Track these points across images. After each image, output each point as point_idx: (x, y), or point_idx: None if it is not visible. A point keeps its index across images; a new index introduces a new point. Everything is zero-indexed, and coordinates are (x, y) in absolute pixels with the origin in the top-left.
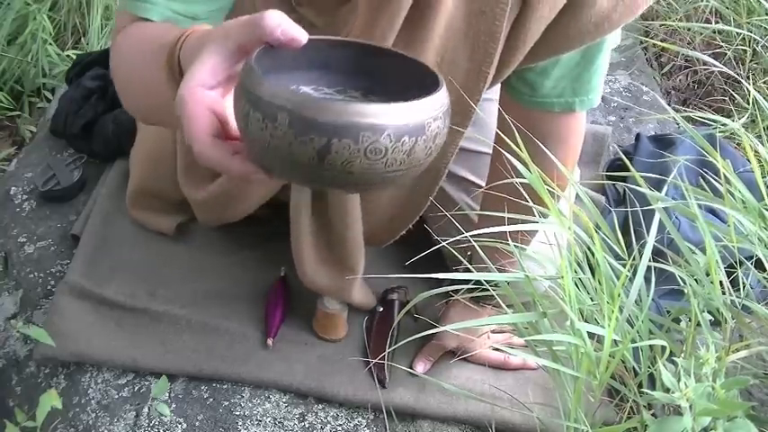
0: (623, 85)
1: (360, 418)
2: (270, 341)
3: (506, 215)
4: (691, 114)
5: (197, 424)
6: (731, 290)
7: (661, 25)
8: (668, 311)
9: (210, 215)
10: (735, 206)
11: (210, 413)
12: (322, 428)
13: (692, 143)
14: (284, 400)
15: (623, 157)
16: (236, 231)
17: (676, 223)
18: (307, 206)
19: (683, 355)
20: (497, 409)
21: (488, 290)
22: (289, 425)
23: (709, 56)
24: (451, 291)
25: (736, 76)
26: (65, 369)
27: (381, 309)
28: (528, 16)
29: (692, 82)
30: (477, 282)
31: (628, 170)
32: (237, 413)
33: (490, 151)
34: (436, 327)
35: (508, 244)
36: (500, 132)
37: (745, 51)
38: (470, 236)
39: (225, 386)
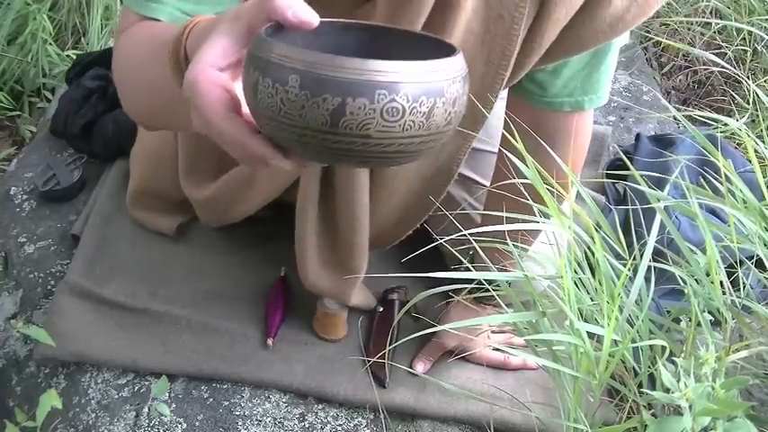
0: (623, 85)
1: (360, 418)
2: (270, 341)
3: (510, 215)
4: (691, 114)
5: (197, 424)
6: (731, 290)
7: (661, 25)
8: (668, 311)
9: (212, 215)
10: (735, 206)
11: (210, 413)
12: (322, 428)
13: (692, 143)
14: (284, 400)
15: (623, 156)
16: (236, 231)
17: (676, 223)
18: (314, 206)
19: (682, 355)
20: (497, 408)
21: (488, 290)
22: (289, 425)
23: (709, 54)
24: (451, 291)
25: (737, 76)
26: (65, 369)
27: (381, 309)
28: (545, 19)
29: (692, 82)
30: (478, 282)
31: (628, 170)
32: (237, 413)
33: (492, 149)
34: (436, 327)
35: (510, 244)
36: (506, 134)
37: (745, 51)
38: (471, 236)
39: (225, 386)
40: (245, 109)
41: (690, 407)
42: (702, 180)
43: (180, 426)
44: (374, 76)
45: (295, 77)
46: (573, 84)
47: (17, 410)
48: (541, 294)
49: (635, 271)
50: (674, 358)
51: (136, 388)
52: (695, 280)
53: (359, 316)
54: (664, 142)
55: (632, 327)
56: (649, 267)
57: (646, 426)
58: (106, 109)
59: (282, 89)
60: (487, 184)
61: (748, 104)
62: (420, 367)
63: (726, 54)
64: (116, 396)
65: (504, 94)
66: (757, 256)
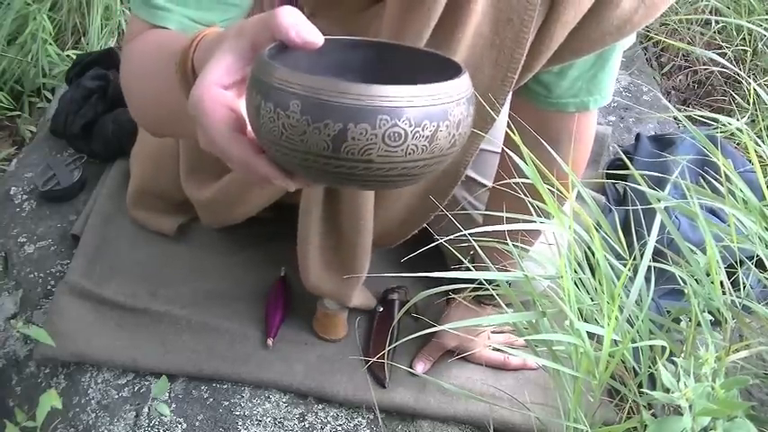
0: (623, 85)
1: (360, 418)
2: (270, 341)
3: (511, 215)
4: (691, 114)
5: (197, 424)
6: (731, 290)
7: (661, 25)
8: (668, 311)
9: (213, 217)
10: (735, 206)
11: (210, 413)
12: (322, 428)
13: (692, 143)
14: (284, 400)
15: (623, 156)
16: (237, 232)
17: (676, 223)
18: (318, 206)
19: (682, 355)
20: (497, 408)
21: (488, 290)
22: (289, 425)
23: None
24: (452, 291)
25: (737, 76)
26: (65, 369)
27: (381, 309)
28: (553, 22)
29: (692, 82)
30: (478, 282)
31: (628, 170)
32: (237, 413)
33: (494, 149)
34: (436, 327)
35: (510, 244)
36: (510, 133)
37: (745, 51)
38: (472, 236)
39: (225, 386)
40: (250, 128)
41: (690, 407)
42: (702, 180)
43: (180, 426)
44: (375, 101)
45: (296, 103)
46: (578, 85)
47: (17, 410)
48: (541, 294)
49: (635, 271)
50: (674, 358)
51: (136, 388)
52: (695, 280)
53: (359, 316)
54: (664, 142)
55: (632, 327)
56: (649, 267)
57: (646, 426)
58: (106, 109)
59: (284, 114)
60: (489, 184)
61: (748, 104)
62: (420, 367)
63: (726, 54)
64: (116, 396)
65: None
66: (757, 255)
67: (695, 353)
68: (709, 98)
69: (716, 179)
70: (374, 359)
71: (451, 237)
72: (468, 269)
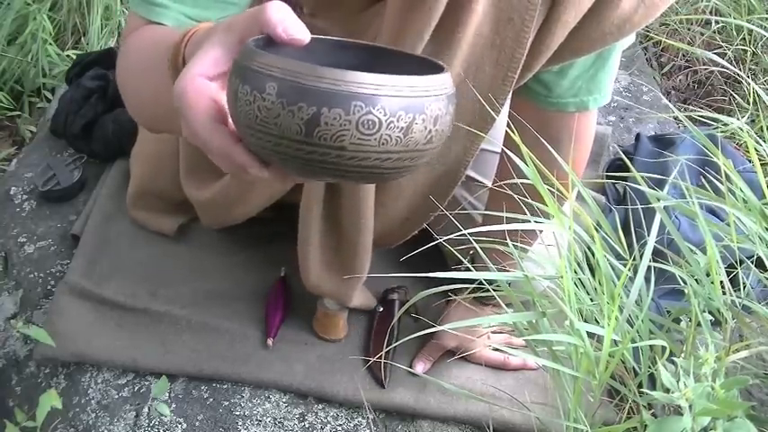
0: (623, 85)
1: (360, 418)
2: (270, 341)
3: (510, 215)
4: (692, 113)
5: (197, 424)
6: (732, 290)
7: (661, 25)
8: (668, 311)
9: (214, 218)
10: (736, 205)
11: (210, 413)
12: (322, 428)
13: (692, 143)
14: (284, 400)
15: (623, 156)
16: (237, 232)
17: (676, 223)
18: (319, 203)
19: (682, 355)
20: (497, 409)
21: (488, 290)
22: (289, 425)
23: (710, 53)
24: (451, 291)
25: (737, 76)
26: (65, 369)
27: (381, 309)
28: (554, 22)
29: (692, 82)
30: (478, 282)
31: (628, 170)
32: (237, 413)
33: (494, 149)
34: (436, 327)
35: (508, 245)
36: (510, 132)
37: (745, 51)
38: (472, 236)
39: (225, 386)
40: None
41: (690, 407)
42: (703, 180)
43: (180, 426)
44: (351, 87)
45: (272, 85)
46: (578, 84)
47: (17, 410)
48: (541, 294)
49: (635, 271)
50: (673, 358)
51: (136, 388)
52: (695, 280)
53: (359, 316)
54: (664, 142)
55: (632, 327)
56: (649, 267)
57: (646, 426)
58: (106, 109)
59: (260, 96)
60: (489, 183)
61: (748, 104)
62: (420, 367)
63: (726, 54)
64: (116, 396)
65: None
66: (757, 255)
67: (695, 353)
68: (709, 98)
69: (716, 179)
70: (374, 359)
71: (451, 236)
72: (467, 269)
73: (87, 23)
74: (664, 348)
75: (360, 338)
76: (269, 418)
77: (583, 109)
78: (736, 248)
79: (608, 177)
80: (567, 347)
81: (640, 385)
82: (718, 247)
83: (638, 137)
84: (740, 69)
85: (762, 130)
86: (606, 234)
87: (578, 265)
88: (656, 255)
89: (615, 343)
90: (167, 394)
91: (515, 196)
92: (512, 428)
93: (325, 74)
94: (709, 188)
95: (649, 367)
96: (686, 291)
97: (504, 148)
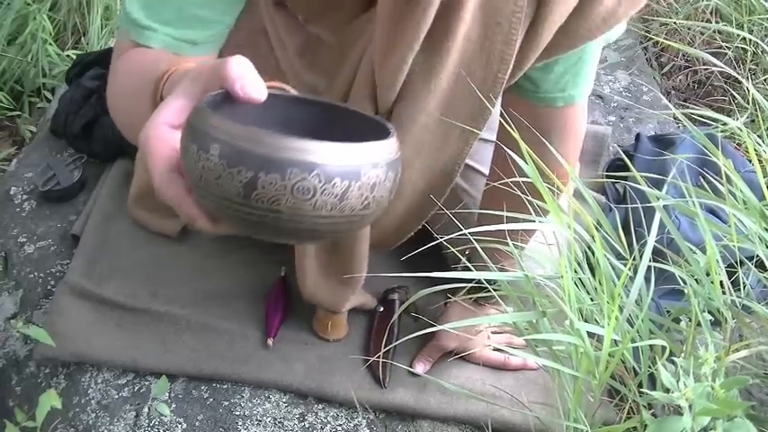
0: (623, 85)
1: (360, 418)
2: (270, 341)
3: (508, 214)
4: (692, 113)
5: (197, 424)
6: (732, 290)
7: (661, 25)
8: (668, 311)
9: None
10: (735, 205)
11: (210, 413)
12: (322, 428)
13: (692, 143)
14: (284, 400)
15: (623, 156)
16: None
17: (676, 223)
18: None
19: (682, 354)
20: (497, 408)
21: (488, 289)
22: (289, 425)
23: (709, 56)
24: (451, 291)
25: (737, 76)
26: (65, 369)
27: (382, 309)
28: (541, 22)
29: (692, 82)
30: (478, 282)
31: (628, 170)
32: (237, 413)
33: (490, 138)
34: (436, 327)
35: (507, 243)
36: (504, 123)
37: (745, 51)
38: (471, 236)
39: (225, 386)
40: None
41: (690, 407)
42: (702, 180)
43: (180, 426)
44: (288, 153)
45: (216, 147)
46: (565, 78)
47: (17, 410)
48: (541, 294)
49: (635, 271)
50: (673, 358)
51: (136, 388)
52: (695, 280)
53: (359, 316)
54: (664, 142)
55: (632, 326)
56: (649, 267)
57: (645, 426)
58: (106, 109)
59: (204, 156)
60: (485, 171)
61: (748, 104)
62: (420, 368)
63: (726, 54)
64: (116, 396)
65: None
66: (757, 255)
67: (695, 353)
68: (709, 98)
69: (716, 179)
70: (374, 359)
71: (450, 236)
72: (465, 268)
73: (87, 23)
74: (664, 348)
75: (360, 338)
76: (269, 418)
77: (570, 102)
78: (736, 249)
79: (608, 177)
80: (566, 347)
81: (640, 385)
82: (717, 247)
83: (638, 137)
84: (740, 69)
85: (762, 131)
86: (606, 233)
87: (578, 264)
88: (657, 254)
89: (615, 343)
90: (167, 394)
91: (512, 191)
92: (512, 428)
93: (264, 139)
94: (708, 188)
95: (649, 367)
96: (686, 291)
97: (499, 142)
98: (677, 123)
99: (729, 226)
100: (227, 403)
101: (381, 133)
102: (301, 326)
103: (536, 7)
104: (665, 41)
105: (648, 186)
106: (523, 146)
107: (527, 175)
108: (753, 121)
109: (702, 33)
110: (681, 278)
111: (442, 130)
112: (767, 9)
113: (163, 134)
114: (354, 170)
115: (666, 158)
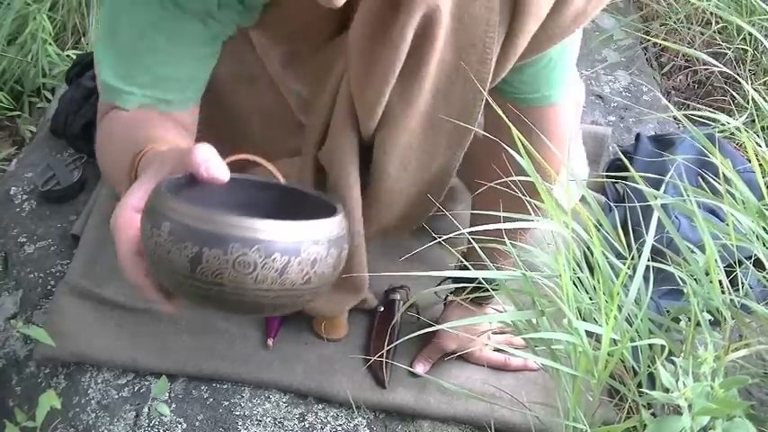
0: (623, 85)
1: (360, 418)
2: (270, 341)
3: (502, 214)
4: (691, 113)
5: (197, 424)
6: (731, 289)
7: (661, 25)
8: (668, 311)
9: None
10: (734, 205)
11: (210, 413)
12: (322, 428)
13: (692, 143)
14: (284, 400)
15: (623, 157)
16: None
17: (676, 223)
18: None
19: (682, 354)
20: (497, 408)
21: (487, 289)
22: (289, 425)
23: (709, 56)
24: (450, 291)
25: (737, 76)
26: (65, 369)
27: (382, 308)
28: (517, 35)
29: (692, 82)
30: (477, 281)
31: (628, 170)
32: (237, 413)
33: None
34: (436, 326)
35: (504, 242)
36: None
37: (745, 51)
38: (469, 235)
39: (225, 386)
40: None
41: (689, 406)
42: (702, 180)
43: (180, 426)
44: (230, 229)
45: (167, 224)
46: (538, 80)
47: (17, 410)
48: (541, 294)
49: (634, 270)
50: (673, 358)
51: (136, 388)
52: (694, 279)
53: (359, 316)
54: (664, 143)
55: (631, 326)
56: (648, 267)
57: (645, 425)
58: None
59: (157, 233)
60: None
61: (748, 104)
62: (420, 368)
63: (726, 54)
64: (116, 396)
65: None
66: (756, 255)
67: (694, 352)
68: (709, 98)
69: (715, 180)
70: (374, 359)
71: (450, 236)
72: (463, 267)
73: (87, 23)
74: (663, 348)
75: (360, 338)
76: (269, 418)
77: (548, 103)
78: (735, 248)
79: (608, 177)
80: (565, 346)
81: (640, 385)
82: (716, 247)
83: (637, 137)
84: (740, 69)
85: (760, 130)
86: (606, 233)
87: (577, 263)
88: (657, 254)
89: (614, 342)
90: (167, 394)
91: (503, 190)
92: (512, 428)
93: (210, 217)
94: (707, 188)
95: (648, 367)
96: (685, 290)
97: (487, 133)
98: (677, 123)
99: (728, 225)
100: (227, 403)
101: (328, 213)
102: (301, 326)
103: (509, 22)
104: (665, 42)
105: (647, 185)
106: (524, 144)
107: (512, 173)
108: (752, 121)
109: (702, 33)
110: (680, 278)
111: (426, 146)
112: (767, 10)
113: (129, 217)
114: (294, 246)
115: (666, 159)
